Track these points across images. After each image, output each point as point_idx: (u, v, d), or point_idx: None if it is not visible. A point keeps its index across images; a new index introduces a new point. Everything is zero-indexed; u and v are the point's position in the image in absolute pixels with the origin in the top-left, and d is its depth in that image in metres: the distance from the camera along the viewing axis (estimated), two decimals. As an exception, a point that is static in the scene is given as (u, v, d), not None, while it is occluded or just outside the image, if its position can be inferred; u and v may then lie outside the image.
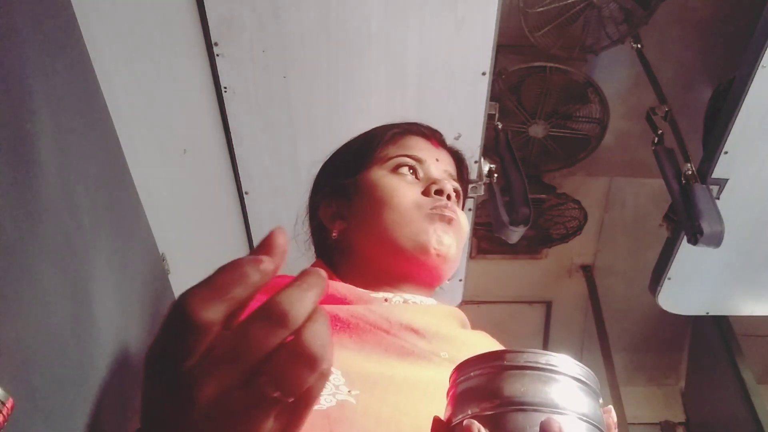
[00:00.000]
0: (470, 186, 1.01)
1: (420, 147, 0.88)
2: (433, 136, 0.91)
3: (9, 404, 0.49)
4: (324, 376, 0.35)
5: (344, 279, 0.81)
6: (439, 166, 0.87)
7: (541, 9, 2.07)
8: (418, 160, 0.86)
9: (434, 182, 0.83)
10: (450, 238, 0.79)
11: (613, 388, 2.88)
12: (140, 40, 1.07)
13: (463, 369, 0.46)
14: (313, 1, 1.34)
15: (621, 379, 2.98)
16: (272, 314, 0.34)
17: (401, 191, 0.82)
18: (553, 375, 0.43)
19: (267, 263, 0.36)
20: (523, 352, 0.44)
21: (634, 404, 3.30)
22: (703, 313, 2.22)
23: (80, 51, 0.77)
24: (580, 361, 0.45)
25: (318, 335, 0.34)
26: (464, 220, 0.85)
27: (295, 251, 0.95)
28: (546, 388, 0.42)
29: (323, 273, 0.37)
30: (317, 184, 0.94)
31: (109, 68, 0.87)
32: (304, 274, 0.37)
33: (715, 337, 2.91)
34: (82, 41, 0.77)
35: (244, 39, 1.38)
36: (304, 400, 0.36)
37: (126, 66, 1.00)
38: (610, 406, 0.48)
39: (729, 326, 2.85)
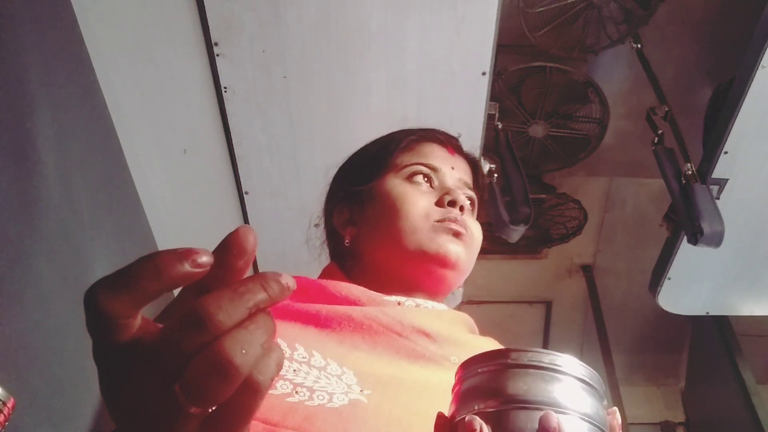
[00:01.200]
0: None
1: (435, 155, 0.87)
2: (449, 143, 0.90)
3: (10, 404, 0.49)
4: (254, 391, 0.32)
5: (357, 283, 0.81)
6: (454, 174, 0.86)
7: (541, 9, 2.07)
8: (433, 169, 0.85)
9: (447, 192, 0.83)
10: (457, 248, 0.79)
11: (613, 388, 2.88)
12: (140, 40, 1.07)
13: (468, 366, 0.46)
14: (313, 1, 1.34)
15: (621, 379, 2.98)
16: (192, 315, 0.31)
17: (413, 200, 0.81)
18: (556, 375, 0.43)
19: (203, 258, 0.32)
20: (527, 351, 0.44)
21: (634, 404, 3.30)
22: (703, 313, 2.22)
23: (80, 51, 0.77)
24: (580, 361, 0.45)
25: (242, 343, 0.31)
26: (477, 231, 0.85)
27: (307, 255, 0.95)
28: (549, 387, 0.43)
29: (282, 279, 0.34)
30: (332, 189, 0.94)
31: (109, 68, 0.87)
32: (250, 277, 0.33)
33: (715, 337, 2.91)
34: (82, 41, 0.77)
35: (244, 39, 1.38)
36: (229, 415, 0.32)
37: (126, 66, 1.00)
38: (615, 408, 0.48)
39: (729, 326, 2.85)
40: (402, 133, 0.91)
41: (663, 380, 3.62)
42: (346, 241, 0.87)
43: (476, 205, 0.90)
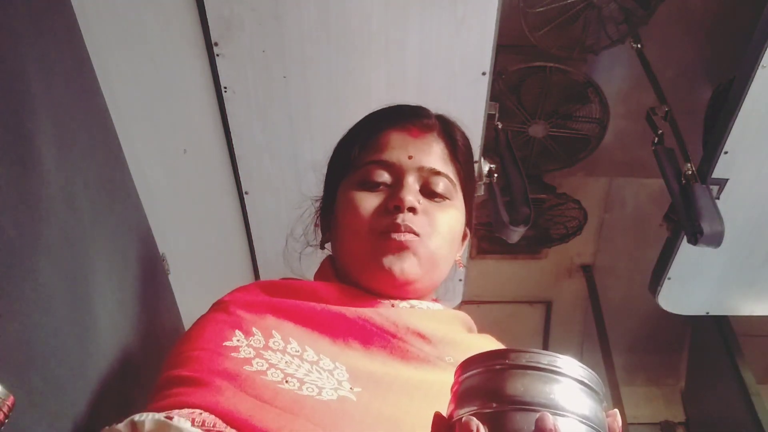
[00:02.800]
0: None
1: (393, 144, 0.79)
2: (411, 124, 0.82)
3: (9, 402, 0.50)
4: None
5: (343, 280, 0.81)
6: (412, 164, 0.78)
7: (541, 9, 2.07)
8: (388, 165, 0.78)
9: (393, 195, 0.76)
10: (402, 264, 0.73)
11: (613, 388, 2.88)
12: (140, 40, 1.07)
13: (466, 366, 0.46)
14: (313, 1, 1.34)
15: (621, 379, 2.98)
16: None
17: (358, 212, 0.76)
18: (554, 376, 0.43)
19: None
20: (526, 351, 0.44)
21: (634, 404, 3.30)
22: (703, 313, 2.21)
23: (80, 51, 0.77)
24: (580, 361, 0.45)
25: None
26: (441, 225, 0.77)
27: (306, 255, 0.95)
28: (547, 389, 0.42)
29: None
30: (324, 187, 0.92)
31: (109, 68, 0.87)
32: None
33: (715, 337, 2.91)
34: (82, 41, 0.77)
35: (244, 39, 1.38)
36: None
37: (126, 66, 1.00)
38: (616, 410, 0.47)
39: (729, 326, 2.85)
40: (359, 125, 0.86)
41: (663, 380, 3.62)
42: (320, 246, 0.88)
43: (456, 182, 0.82)
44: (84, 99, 0.78)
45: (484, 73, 1.46)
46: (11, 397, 0.50)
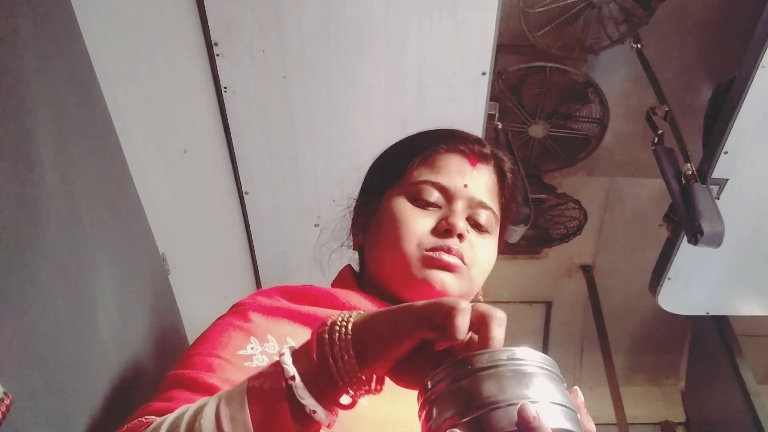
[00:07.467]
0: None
1: (450, 169, 0.82)
2: (472, 153, 0.84)
3: (7, 401, 0.50)
4: None
5: (366, 290, 0.82)
6: (465, 193, 0.81)
7: (541, 9, 2.07)
8: (443, 189, 0.81)
9: (446, 218, 0.78)
10: (445, 277, 0.76)
11: (613, 388, 2.87)
12: (140, 40, 1.07)
13: (430, 383, 0.47)
14: (313, 1, 1.34)
15: (621, 379, 2.98)
16: None
17: (408, 225, 0.78)
18: (519, 368, 0.45)
19: None
20: (484, 353, 0.45)
21: (634, 404, 3.30)
22: (703, 313, 2.21)
23: (80, 51, 0.77)
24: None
25: None
26: (482, 256, 0.80)
27: (306, 255, 0.95)
28: (516, 382, 0.44)
29: None
30: (362, 187, 0.93)
31: (109, 68, 0.87)
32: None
33: (715, 337, 2.91)
34: (82, 41, 0.78)
35: (244, 39, 1.38)
36: None
37: (126, 66, 1.00)
38: (576, 387, 0.49)
39: (729, 326, 2.85)
40: (423, 141, 0.87)
41: (663, 380, 3.62)
42: (353, 247, 0.88)
43: (498, 218, 0.85)
44: (84, 99, 0.78)
45: (484, 73, 1.46)
46: (9, 397, 0.50)
